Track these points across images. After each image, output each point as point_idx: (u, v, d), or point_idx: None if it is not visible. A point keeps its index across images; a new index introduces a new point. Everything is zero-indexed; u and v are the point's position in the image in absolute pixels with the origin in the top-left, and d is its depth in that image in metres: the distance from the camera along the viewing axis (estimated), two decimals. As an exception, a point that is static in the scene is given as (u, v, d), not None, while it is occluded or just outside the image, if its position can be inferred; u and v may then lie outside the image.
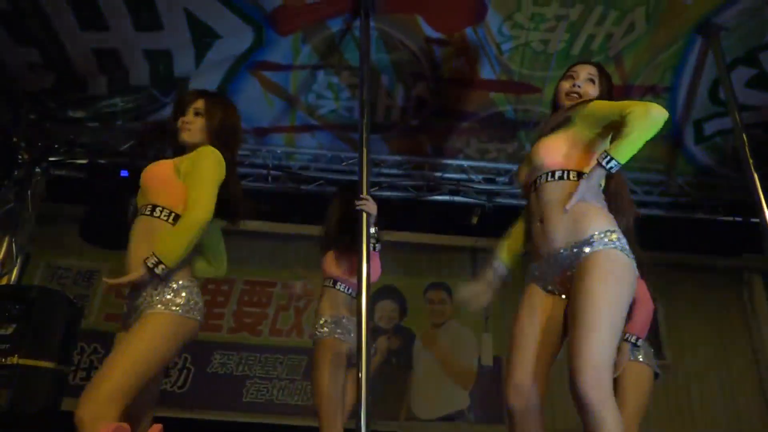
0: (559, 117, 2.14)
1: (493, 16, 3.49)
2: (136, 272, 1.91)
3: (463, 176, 4.73)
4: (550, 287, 1.98)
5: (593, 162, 1.92)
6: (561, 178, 1.98)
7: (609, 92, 2.16)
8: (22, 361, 3.24)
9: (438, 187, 4.78)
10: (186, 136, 2.19)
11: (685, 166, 4.66)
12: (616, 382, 2.85)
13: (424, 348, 5.88)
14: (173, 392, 5.48)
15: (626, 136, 1.85)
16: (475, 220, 4.87)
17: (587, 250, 1.83)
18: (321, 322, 2.83)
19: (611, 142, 1.93)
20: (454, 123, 4.33)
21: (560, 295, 1.97)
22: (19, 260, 4.18)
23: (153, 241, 1.96)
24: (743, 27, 3.51)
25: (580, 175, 1.95)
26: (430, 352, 5.87)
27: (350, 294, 2.90)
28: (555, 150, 2.02)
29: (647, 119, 1.84)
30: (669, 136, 4.35)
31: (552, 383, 1.93)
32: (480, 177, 4.73)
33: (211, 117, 2.20)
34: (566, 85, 2.17)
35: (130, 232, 2.06)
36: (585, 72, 2.17)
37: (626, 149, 1.86)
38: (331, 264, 2.91)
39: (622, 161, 1.86)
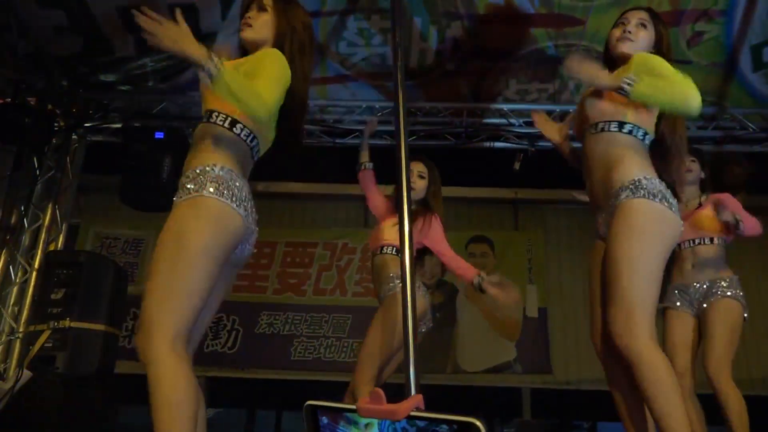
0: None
1: (532, -59, 3.27)
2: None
3: (503, 121, 4.54)
4: (602, 235, 2.01)
5: (641, 112, 1.93)
6: (602, 130, 1.97)
7: (661, 39, 2.08)
8: (74, 324, 3.29)
9: (477, 133, 4.60)
10: (248, 33, 1.89)
11: (741, 96, 4.36)
12: (706, 317, 2.72)
13: (467, 301, 5.83)
14: (224, 353, 5.59)
15: (661, 87, 1.81)
16: (517, 165, 4.69)
17: (616, 202, 1.85)
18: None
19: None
20: (492, 64, 4.12)
21: None
22: (64, 227, 4.24)
23: (207, 145, 1.75)
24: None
25: (621, 125, 1.93)
26: (475, 305, 5.81)
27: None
28: (598, 102, 2.00)
29: (684, 99, 1.80)
30: (723, 64, 4.05)
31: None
32: (521, 120, 4.53)
33: (280, 13, 1.90)
34: (617, 32, 2.09)
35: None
36: (636, 17, 2.08)
37: (649, 90, 1.81)
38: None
39: (635, 93, 1.81)
